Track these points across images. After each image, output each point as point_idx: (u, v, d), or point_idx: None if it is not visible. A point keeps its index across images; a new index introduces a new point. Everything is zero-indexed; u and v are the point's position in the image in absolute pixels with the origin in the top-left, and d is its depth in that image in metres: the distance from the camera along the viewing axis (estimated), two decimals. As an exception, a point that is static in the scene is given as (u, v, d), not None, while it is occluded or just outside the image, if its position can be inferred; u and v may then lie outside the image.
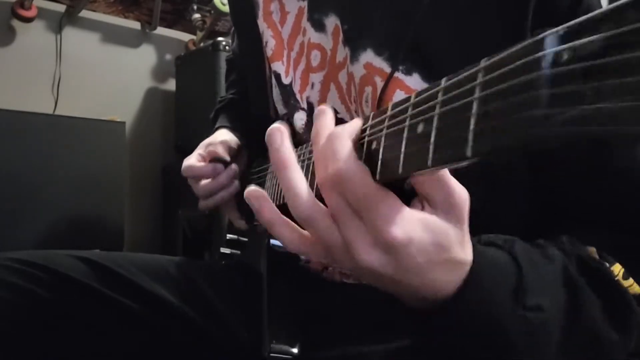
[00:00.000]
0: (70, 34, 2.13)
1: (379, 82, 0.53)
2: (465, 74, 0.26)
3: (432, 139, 0.27)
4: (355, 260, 0.32)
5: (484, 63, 0.25)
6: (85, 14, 2.16)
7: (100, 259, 0.65)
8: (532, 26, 0.44)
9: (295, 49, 0.67)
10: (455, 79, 0.26)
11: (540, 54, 0.21)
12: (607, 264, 0.43)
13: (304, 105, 0.65)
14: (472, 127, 0.24)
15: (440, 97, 0.27)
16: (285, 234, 0.35)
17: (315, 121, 0.35)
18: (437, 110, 0.27)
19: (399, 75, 0.51)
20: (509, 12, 0.45)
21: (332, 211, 0.32)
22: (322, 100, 0.63)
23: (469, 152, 0.24)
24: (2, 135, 1.65)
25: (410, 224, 0.30)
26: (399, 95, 0.51)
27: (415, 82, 0.51)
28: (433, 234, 0.31)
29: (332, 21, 0.61)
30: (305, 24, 0.64)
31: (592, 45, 0.19)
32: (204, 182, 0.73)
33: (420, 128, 0.28)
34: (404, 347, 0.49)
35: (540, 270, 0.38)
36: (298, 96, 0.66)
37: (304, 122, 0.66)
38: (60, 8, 2.10)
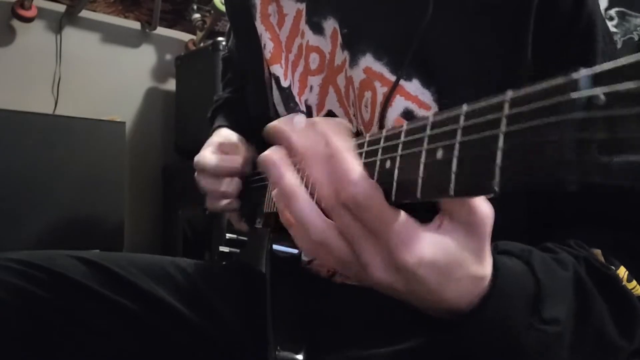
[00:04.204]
0: (70, 34, 2.13)
1: (379, 87, 0.53)
2: (490, 102, 0.25)
3: (454, 168, 0.26)
4: (369, 278, 0.32)
5: (510, 94, 0.24)
6: (85, 14, 2.16)
7: (100, 259, 0.65)
8: (534, 32, 0.44)
9: (294, 51, 0.67)
10: (478, 106, 0.25)
11: (575, 95, 0.20)
12: (614, 268, 0.43)
13: (303, 109, 0.65)
14: (498, 162, 0.23)
15: (462, 123, 0.26)
16: (306, 216, 0.33)
17: (299, 139, 0.33)
18: (459, 138, 0.26)
19: (400, 81, 0.51)
20: (511, 15, 0.45)
21: (345, 233, 0.32)
22: (321, 103, 0.63)
23: (496, 187, 0.23)
24: (2, 135, 1.65)
25: (423, 246, 0.30)
26: (399, 102, 0.51)
27: (415, 88, 0.51)
28: (447, 254, 0.31)
29: (330, 24, 0.61)
30: (304, 26, 0.64)
31: (634, 90, 0.17)
32: (225, 185, 0.68)
33: (439, 154, 0.27)
34: (410, 349, 0.49)
35: (556, 279, 0.38)
36: (297, 99, 0.65)
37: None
38: (60, 8, 2.10)
